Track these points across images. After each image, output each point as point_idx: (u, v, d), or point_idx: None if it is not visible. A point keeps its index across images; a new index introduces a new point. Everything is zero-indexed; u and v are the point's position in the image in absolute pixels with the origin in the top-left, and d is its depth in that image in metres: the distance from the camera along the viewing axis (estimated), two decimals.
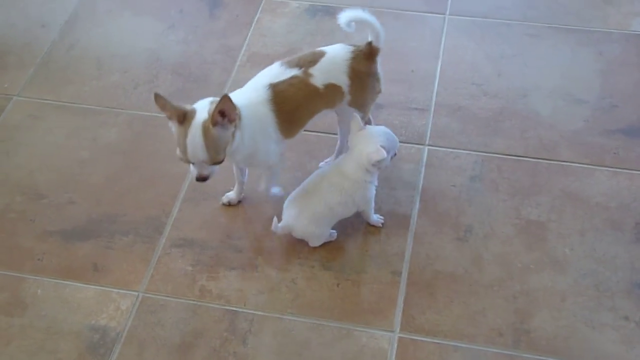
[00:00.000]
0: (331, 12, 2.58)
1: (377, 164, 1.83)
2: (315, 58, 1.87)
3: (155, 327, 1.84)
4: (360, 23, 1.87)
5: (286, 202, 1.92)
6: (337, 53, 1.89)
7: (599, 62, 2.38)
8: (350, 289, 1.89)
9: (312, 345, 1.79)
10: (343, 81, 1.87)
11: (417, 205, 2.04)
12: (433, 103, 2.28)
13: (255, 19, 2.59)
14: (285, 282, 1.90)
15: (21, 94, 2.41)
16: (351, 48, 1.90)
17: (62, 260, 1.98)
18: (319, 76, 1.84)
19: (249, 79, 2.36)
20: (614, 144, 2.15)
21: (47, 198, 2.12)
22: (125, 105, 2.35)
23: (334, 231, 1.98)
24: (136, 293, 1.90)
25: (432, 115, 2.25)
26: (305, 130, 2.21)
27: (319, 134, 2.21)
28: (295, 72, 1.85)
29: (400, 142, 2.16)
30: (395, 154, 1.91)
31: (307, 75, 1.84)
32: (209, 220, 2.04)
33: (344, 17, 1.86)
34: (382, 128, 1.90)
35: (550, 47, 2.44)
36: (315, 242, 1.96)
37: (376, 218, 1.99)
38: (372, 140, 1.84)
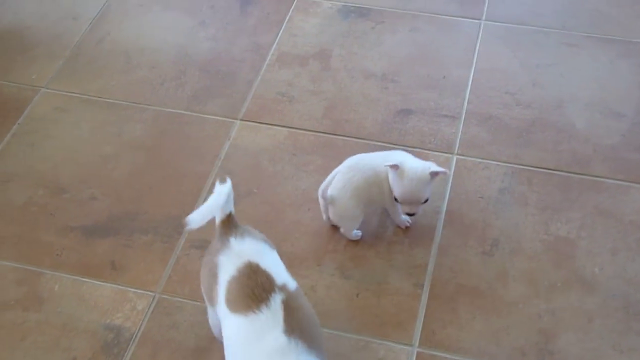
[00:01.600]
0: (364, 14, 2.53)
1: (431, 176, 1.81)
2: None
3: (170, 330, 1.81)
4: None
5: (334, 177, 1.90)
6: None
7: (639, 74, 2.31)
8: (370, 299, 1.84)
9: (329, 356, 1.74)
10: None
11: (443, 216, 1.99)
12: (464, 111, 2.23)
13: (287, 18, 2.55)
14: (304, 289, 1.84)
15: (49, 86, 2.39)
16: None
17: (81, 256, 1.96)
18: None
19: (277, 79, 2.35)
20: None
21: (69, 192, 2.10)
22: (151, 101, 2.32)
23: (359, 231, 1.94)
24: (153, 294, 1.88)
25: (462, 123, 2.19)
26: (332, 134, 2.19)
27: (345, 138, 2.17)
28: None
29: (428, 150, 2.13)
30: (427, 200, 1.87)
31: None
32: None
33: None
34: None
35: (589, 58, 2.37)
36: (348, 227, 1.92)
37: (403, 218, 1.95)
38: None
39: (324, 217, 1.96)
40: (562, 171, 2.07)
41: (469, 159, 2.11)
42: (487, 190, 2.04)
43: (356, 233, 1.95)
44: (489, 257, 1.90)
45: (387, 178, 1.86)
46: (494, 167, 2.09)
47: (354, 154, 2.11)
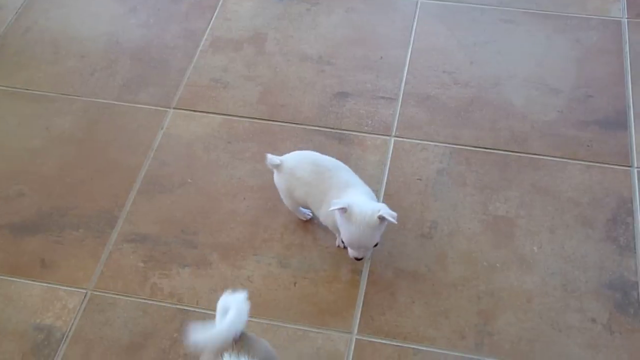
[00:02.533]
0: None
1: (380, 221, 1.62)
2: None
3: (103, 327, 1.75)
4: None
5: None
6: None
7: (576, 49, 2.29)
8: (308, 288, 1.81)
9: None
10: None
11: (382, 199, 1.95)
12: (401, 92, 2.19)
13: (221, 2, 2.49)
14: (240, 279, 1.82)
15: None
16: None
17: (9, 255, 1.89)
18: None
19: (211, 65, 2.29)
20: (588, 136, 2.06)
21: None
22: (81, 92, 2.25)
23: (307, 212, 1.91)
24: (84, 291, 1.82)
25: (399, 104, 2.16)
26: (267, 120, 2.15)
27: (282, 123, 2.12)
28: None
29: (365, 132, 2.10)
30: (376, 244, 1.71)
31: None
32: (164, 214, 1.95)
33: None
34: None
35: (526, 34, 2.34)
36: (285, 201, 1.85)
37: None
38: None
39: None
40: (500, 150, 2.05)
41: (407, 140, 2.08)
42: (426, 172, 2.01)
43: (303, 212, 1.91)
44: (428, 239, 1.88)
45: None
46: (432, 148, 2.06)
47: (291, 139, 2.09)
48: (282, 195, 1.84)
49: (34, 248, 1.90)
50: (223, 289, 1.78)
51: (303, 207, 1.89)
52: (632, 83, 2.18)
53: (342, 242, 1.78)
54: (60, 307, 1.79)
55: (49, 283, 1.84)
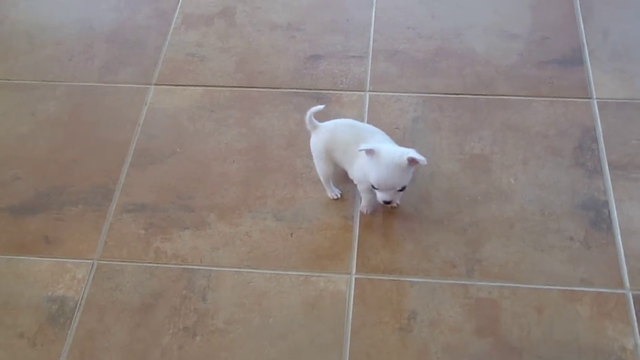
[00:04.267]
0: None
1: (409, 163, 1.68)
2: None
3: (114, 292, 1.84)
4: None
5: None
6: None
7: None
8: (305, 236, 1.91)
9: (270, 295, 1.81)
10: None
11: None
12: (370, 50, 2.30)
13: None
14: (239, 236, 1.92)
15: None
16: None
17: (13, 236, 1.96)
18: None
19: (186, 41, 2.37)
20: (549, 74, 2.20)
21: None
22: (61, 77, 2.31)
23: (337, 191, 1.97)
24: (91, 261, 1.90)
25: (370, 61, 2.27)
26: (246, 87, 2.24)
27: (260, 89, 2.22)
28: None
29: (341, 90, 2.20)
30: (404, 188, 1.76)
31: None
32: (158, 183, 2.04)
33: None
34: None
35: None
36: (316, 167, 1.91)
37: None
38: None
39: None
40: (469, 94, 2.17)
41: (381, 94, 2.19)
42: (402, 121, 2.12)
43: (333, 192, 1.97)
44: (411, 181, 1.99)
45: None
46: (405, 99, 2.17)
47: (271, 103, 2.18)
48: (317, 159, 1.89)
49: (37, 227, 1.97)
50: (224, 246, 1.90)
51: (334, 176, 1.94)
52: (583, 23, 2.33)
53: (367, 207, 1.91)
54: (70, 279, 1.87)
55: (56, 257, 1.91)
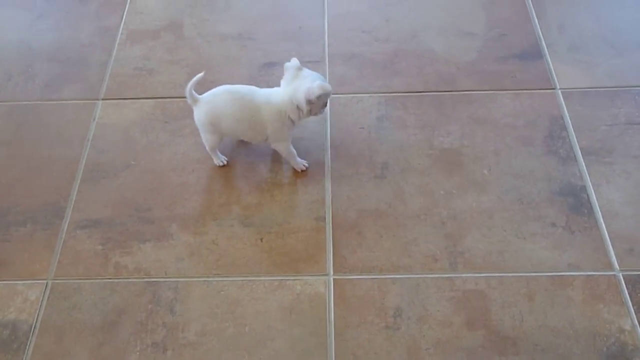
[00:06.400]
0: None
1: (316, 101, 1.77)
2: None
3: (72, 312, 1.68)
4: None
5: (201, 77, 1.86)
6: None
7: None
8: (275, 241, 1.79)
9: (244, 302, 1.68)
10: None
11: (329, 151, 1.97)
12: (326, 54, 2.23)
13: None
14: (204, 244, 1.79)
15: None
16: None
17: None
18: None
19: (132, 55, 2.26)
20: (510, 68, 2.16)
21: None
22: (1, 98, 2.16)
23: (304, 161, 1.94)
24: (44, 281, 1.73)
25: (327, 65, 2.20)
26: None
27: None
28: None
29: None
30: (326, 104, 1.84)
31: None
32: (113, 197, 1.89)
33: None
34: (319, 75, 1.84)
35: None
36: (204, 140, 1.92)
37: (299, 161, 1.93)
38: (312, 78, 1.80)
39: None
40: (432, 91, 2.12)
41: (342, 95, 2.11)
42: (367, 121, 2.05)
43: (220, 158, 1.96)
44: (382, 179, 1.91)
45: (267, 120, 1.83)
46: (367, 99, 2.10)
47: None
48: (203, 132, 1.89)
49: None
50: (190, 256, 1.76)
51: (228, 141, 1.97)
52: (537, 18, 2.31)
53: (301, 161, 1.93)
54: (22, 301, 1.70)
55: (4, 280, 1.74)
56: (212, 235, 1.81)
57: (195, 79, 1.83)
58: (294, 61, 1.83)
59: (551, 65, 2.16)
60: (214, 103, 1.84)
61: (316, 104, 1.79)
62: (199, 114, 1.86)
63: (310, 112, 1.82)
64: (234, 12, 2.40)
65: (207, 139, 1.89)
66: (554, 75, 2.13)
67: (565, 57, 2.19)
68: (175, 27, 2.35)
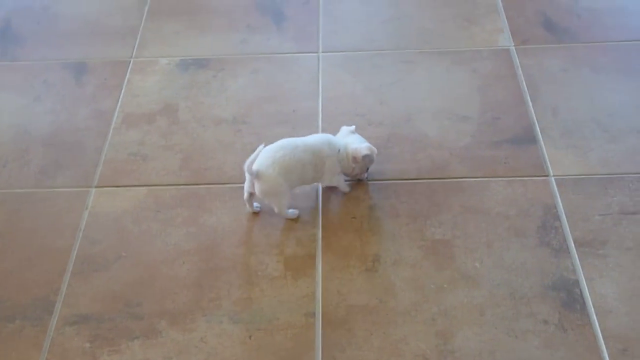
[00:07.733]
0: (203, 65, 2.51)
1: (361, 161, 1.99)
2: None
3: None
4: None
5: (261, 151, 1.94)
6: None
7: (475, 79, 2.42)
8: (264, 338, 1.78)
9: None
10: None
11: (320, 242, 1.97)
12: None
13: (125, 80, 2.49)
14: (193, 342, 1.78)
15: None
16: None
17: None
18: None
19: (127, 140, 2.27)
20: (503, 154, 2.16)
21: None
22: None
23: (295, 210, 2.03)
24: None
25: None
26: (193, 184, 2.15)
27: (208, 185, 2.12)
28: None
29: None
30: (367, 169, 2.08)
31: None
32: (103, 291, 1.89)
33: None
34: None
35: (426, 71, 2.46)
36: (277, 204, 1.99)
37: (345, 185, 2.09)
38: (361, 140, 2.03)
39: (245, 195, 2.01)
40: (424, 179, 2.11)
41: None
42: (359, 210, 2.04)
43: (292, 212, 2.02)
44: (373, 272, 1.90)
45: (327, 156, 1.99)
46: (359, 187, 2.10)
47: (219, 199, 2.08)
48: (281, 197, 1.97)
49: None
50: (178, 355, 1.75)
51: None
52: (532, 101, 2.32)
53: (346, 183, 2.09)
54: None
55: None
56: (201, 332, 1.79)
57: (254, 154, 1.92)
58: (352, 127, 2.07)
59: (545, 150, 2.16)
60: (282, 163, 1.93)
61: (360, 164, 2.01)
62: (269, 179, 1.93)
63: (353, 171, 2.02)
64: (229, 94, 2.41)
65: (282, 204, 1.99)
66: (548, 162, 2.13)
67: (558, 142, 2.19)
68: (170, 111, 2.37)
